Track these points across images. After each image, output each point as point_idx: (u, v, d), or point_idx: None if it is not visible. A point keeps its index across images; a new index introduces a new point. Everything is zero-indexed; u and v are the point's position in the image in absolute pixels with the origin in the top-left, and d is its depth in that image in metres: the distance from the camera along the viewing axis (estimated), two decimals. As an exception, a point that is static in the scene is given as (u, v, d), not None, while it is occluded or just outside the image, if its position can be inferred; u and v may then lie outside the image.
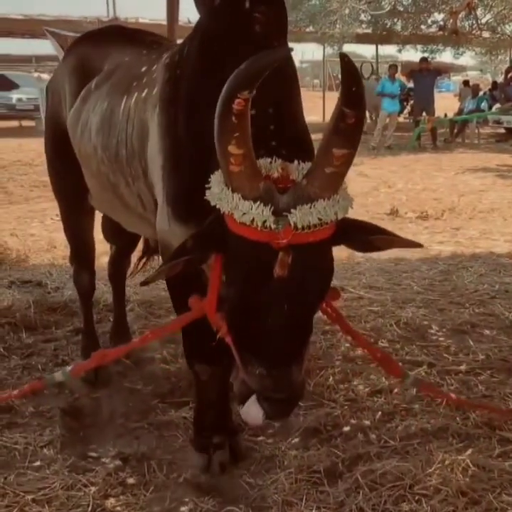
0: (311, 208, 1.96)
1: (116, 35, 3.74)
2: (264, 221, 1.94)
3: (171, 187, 2.61)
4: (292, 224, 1.94)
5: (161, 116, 2.68)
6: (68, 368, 2.71)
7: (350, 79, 1.92)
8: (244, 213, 1.97)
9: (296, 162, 2.15)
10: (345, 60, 1.91)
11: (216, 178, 2.11)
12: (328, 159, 1.97)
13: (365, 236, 2.15)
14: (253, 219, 1.95)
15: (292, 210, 1.95)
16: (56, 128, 3.62)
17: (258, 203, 1.96)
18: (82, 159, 3.41)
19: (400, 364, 3.62)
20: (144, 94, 2.89)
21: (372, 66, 21.89)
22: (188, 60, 2.61)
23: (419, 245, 2.23)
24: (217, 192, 2.06)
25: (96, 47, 3.64)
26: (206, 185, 2.14)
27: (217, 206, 2.06)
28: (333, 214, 1.99)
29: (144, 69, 3.07)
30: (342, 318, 2.76)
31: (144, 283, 2.29)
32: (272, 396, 2.09)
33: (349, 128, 1.94)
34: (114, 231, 3.85)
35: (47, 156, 3.80)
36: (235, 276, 2.05)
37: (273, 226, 1.94)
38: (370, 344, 3.10)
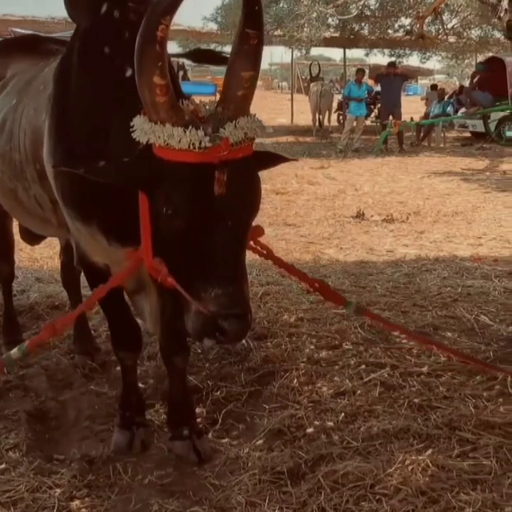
0: (235, 125, 2.16)
1: (23, 44, 3.80)
2: (200, 142, 2.09)
3: (65, 188, 2.68)
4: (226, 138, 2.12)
5: (50, 119, 2.74)
6: (24, 345, 2.80)
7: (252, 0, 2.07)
8: (181, 139, 2.10)
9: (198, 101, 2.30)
10: None
11: (139, 120, 2.22)
12: (238, 83, 2.16)
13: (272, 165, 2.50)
14: (190, 141, 2.09)
15: (221, 129, 2.13)
16: None
17: (190, 127, 2.11)
18: None
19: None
20: (34, 101, 2.97)
21: (319, 65, 22.12)
22: (72, 61, 2.69)
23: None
24: (148, 128, 2.17)
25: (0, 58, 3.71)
26: (130, 129, 2.24)
27: (151, 141, 2.17)
28: (253, 129, 2.21)
29: (36, 77, 3.14)
30: (272, 254, 2.97)
31: (55, 166, 2.55)
32: (231, 312, 2.18)
33: (253, 49, 2.12)
34: (29, 232, 3.98)
35: None
36: (178, 205, 2.15)
37: (209, 144, 2.09)
38: (305, 275, 3.19)
